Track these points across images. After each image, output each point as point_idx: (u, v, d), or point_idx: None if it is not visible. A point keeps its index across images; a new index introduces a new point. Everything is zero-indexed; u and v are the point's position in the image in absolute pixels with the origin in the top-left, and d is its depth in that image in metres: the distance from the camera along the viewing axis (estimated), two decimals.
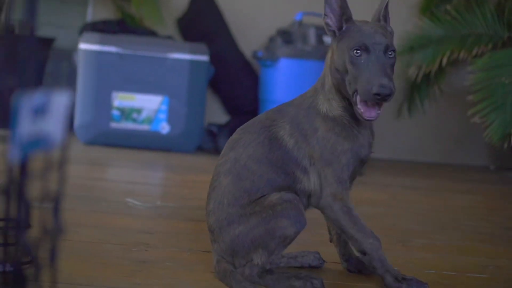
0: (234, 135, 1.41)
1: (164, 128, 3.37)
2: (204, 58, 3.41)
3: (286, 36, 3.48)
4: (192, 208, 2.10)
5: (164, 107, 3.37)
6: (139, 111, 3.37)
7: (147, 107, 3.37)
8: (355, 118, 1.35)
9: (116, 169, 2.95)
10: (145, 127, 3.37)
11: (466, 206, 2.67)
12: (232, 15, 3.90)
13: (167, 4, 3.83)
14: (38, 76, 3.83)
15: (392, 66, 1.32)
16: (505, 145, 3.07)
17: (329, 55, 1.39)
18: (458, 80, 3.78)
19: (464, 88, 3.41)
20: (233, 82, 3.77)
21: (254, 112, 3.66)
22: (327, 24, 1.37)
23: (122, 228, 1.75)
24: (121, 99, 3.35)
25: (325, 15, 1.37)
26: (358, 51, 1.30)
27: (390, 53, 1.32)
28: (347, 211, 1.33)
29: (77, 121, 3.36)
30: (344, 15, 1.36)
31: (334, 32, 1.36)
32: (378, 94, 1.26)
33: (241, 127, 1.42)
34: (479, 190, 3.12)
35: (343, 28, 1.35)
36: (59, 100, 0.72)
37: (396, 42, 3.85)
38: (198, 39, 3.67)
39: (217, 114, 3.94)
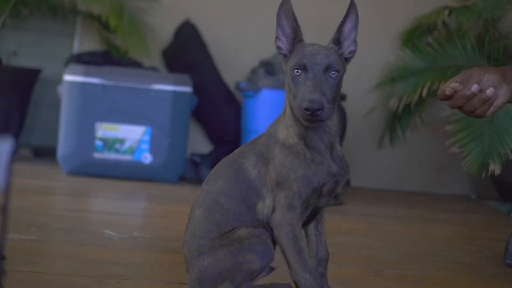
0: (213, 168, 1.44)
1: (147, 158, 3.39)
2: (187, 89, 3.45)
3: (268, 67, 3.53)
4: (169, 239, 2.11)
5: (146, 138, 3.40)
6: (122, 141, 3.39)
7: (130, 137, 3.39)
8: (312, 146, 1.35)
9: (97, 199, 2.97)
10: (127, 157, 3.40)
11: (444, 236, 2.69)
12: (216, 46, 3.95)
13: (153, 35, 3.88)
14: (24, 106, 3.87)
15: (335, 86, 1.32)
16: (483, 175, 3.10)
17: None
18: (438, 110, 3.82)
19: (444, 118, 3.46)
20: (216, 112, 3.81)
21: (237, 142, 3.69)
22: (278, 47, 1.37)
23: (97, 260, 1.77)
24: (105, 130, 3.38)
25: (276, 37, 1.37)
26: (298, 71, 1.31)
27: (332, 73, 1.31)
28: (293, 238, 1.33)
29: (60, 152, 3.38)
30: (296, 38, 1.37)
31: (285, 55, 1.37)
32: (307, 109, 1.26)
33: (222, 160, 1.45)
34: (458, 220, 3.15)
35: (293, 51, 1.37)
36: (2, 148, 0.74)
37: (378, 72, 3.92)
38: (182, 70, 3.72)
39: (200, 144, 3.97)
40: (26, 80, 3.83)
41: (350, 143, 3.90)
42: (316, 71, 1.30)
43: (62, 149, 3.38)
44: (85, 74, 3.38)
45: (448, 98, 1.49)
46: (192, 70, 3.73)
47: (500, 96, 1.49)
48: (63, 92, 3.42)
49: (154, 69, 3.69)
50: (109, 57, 3.70)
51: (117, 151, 3.39)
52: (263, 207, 1.36)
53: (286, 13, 1.37)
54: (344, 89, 1.74)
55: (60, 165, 3.41)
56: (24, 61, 4.00)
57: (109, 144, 3.39)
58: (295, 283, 1.34)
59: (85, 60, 3.59)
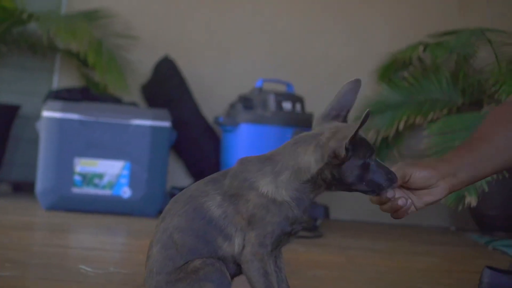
0: (167, 205, 1.45)
1: (126, 192, 3.39)
2: (166, 124, 3.47)
3: (246, 102, 3.56)
4: (144, 274, 2.10)
5: (125, 172, 3.40)
6: (101, 176, 3.39)
7: (109, 172, 3.40)
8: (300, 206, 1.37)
9: (75, 235, 2.96)
10: (107, 192, 3.39)
11: (422, 269, 2.70)
12: (195, 82, 3.99)
13: (132, 71, 3.91)
14: (3, 141, 3.87)
15: None
16: (460, 207, 3.13)
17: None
18: (415, 143, 3.87)
19: (421, 151, 3.50)
20: (196, 146, 3.83)
21: None
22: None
23: None
24: (83, 165, 3.38)
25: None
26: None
27: None
28: (264, 274, 1.34)
29: (38, 187, 3.38)
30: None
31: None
32: None
33: (174, 197, 1.46)
34: (437, 252, 3.17)
35: None
36: None
37: (356, 107, 3.96)
38: (162, 105, 3.74)
39: (180, 177, 3.98)
40: (5, 116, 3.84)
41: None
42: None
43: (40, 184, 3.37)
44: (63, 110, 3.39)
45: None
46: (171, 104, 3.76)
47: (425, 197, 1.47)
48: (42, 128, 3.42)
49: (133, 104, 3.71)
50: (88, 93, 3.71)
51: (96, 185, 3.39)
52: (229, 245, 1.36)
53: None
54: None
55: (39, 200, 3.39)
56: (3, 97, 4.01)
57: (88, 178, 3.38)
58: None
59: (64, 96, 3.60)
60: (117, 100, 3.71)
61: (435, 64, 3.79)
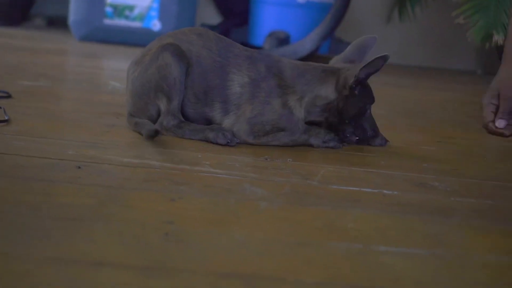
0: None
1: (156, 25, 3.45)
2: None
3: None
4: None
5: (155, 5, 3.44)
6: (131, 8, 3.44)
7: (139, 4, 3.44)
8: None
9: (106, 60, 3.07)
10: (137, 24, 3.46)
11: (440, 100, 2.77)
12: None
13: None
14: None
15: None
16: (487, 46, 3.13)
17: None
18: None
19: None
20: None
21: (246, 13, 3.72)
22: None
23: (100, 102, 1.88)
24: None
25: None
26: None
27: None
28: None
29: (71, 18, 3.45)
30: None
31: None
32: None
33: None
34: (459, 89, 3.22)
35: None
36: None
37: None
38: None
39: (210, 15, 4.01)
40: None
41: (359, 17, 3.92)
42: None
43: (73, 15, 3.44)
44: None
45: None
46: None
47: None
48: None
49: None
50: None
51: (126, 17, 3.45)
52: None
53: None
54: None
55: (72, 31, 3.48)
56: None
57: (119, 10, 3.44)
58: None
59: None
60: None
61: None
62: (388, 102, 2.52)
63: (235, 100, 1.47)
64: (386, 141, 1.62)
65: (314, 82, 1.49)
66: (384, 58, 1.42)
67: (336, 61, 1.58)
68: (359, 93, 1.49)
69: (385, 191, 1.23)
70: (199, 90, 1.49)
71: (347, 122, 1.51)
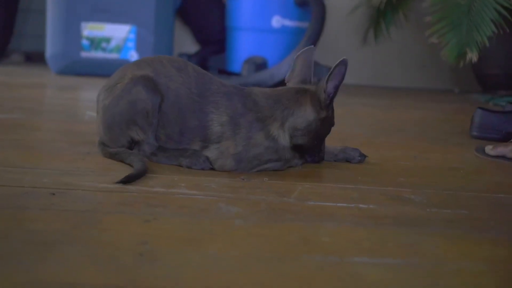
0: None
1: (133, 56, 3.47)
2: None
3: None
4: None
5: (132, 36, 3.46)
6: (108, 40, 3.46)
7: (116, 36, 3.46)
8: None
9: (83, 92, 3.07)
10: (114, 55, 3.47)
11: (417, 118, 2.79)
12: None
13: None
14: (12, 13, 3.91)
15: None
16: (461, 64, 3.17)
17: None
18: (420, 4, 3.86)
19: (424, 10, 3.50)
20: (202, 12, 3.85)
21: (223, 41, 3.75)
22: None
23: (75, 132, 1.87)
24: (90, 29, 3.44)
25: None
26: None
27: None
28: None
29: (48, 52, 3.45)
30: None
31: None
32: None
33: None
34: (436, 107, 3.24)
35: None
36: None
37: None
38: None
39: (187, 44, 4.03)
40: None
41: (334, 39, 3.95)
42: None
43: (50, 49, 3.45)
44: None
45: None
46: None
47: None
48: None
49: None
50: None
51: (103, 49, 3.46)
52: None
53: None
54: None
55: (49, 65, 3.48)
56: None
57: (96, 43, 3.45)
58: None
59: None
60: None
61: None
62: (366, 122, 2.54)
63: (216, 139, 1.45)
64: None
65: (292, 105, 1.46)
66: (343, 63, 1.39)
67: (294, 83, 1.55)
68: (331, 112, 1.49)
69: (361, 205, 1.23)
70: (174, 130, 1.47)
71: (316, 143, 1.51)
